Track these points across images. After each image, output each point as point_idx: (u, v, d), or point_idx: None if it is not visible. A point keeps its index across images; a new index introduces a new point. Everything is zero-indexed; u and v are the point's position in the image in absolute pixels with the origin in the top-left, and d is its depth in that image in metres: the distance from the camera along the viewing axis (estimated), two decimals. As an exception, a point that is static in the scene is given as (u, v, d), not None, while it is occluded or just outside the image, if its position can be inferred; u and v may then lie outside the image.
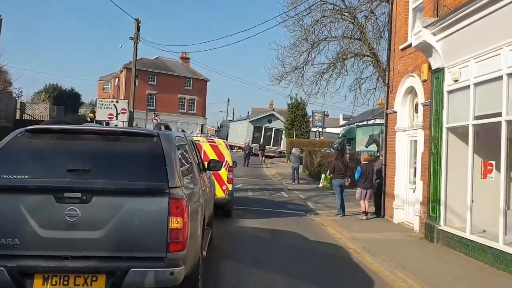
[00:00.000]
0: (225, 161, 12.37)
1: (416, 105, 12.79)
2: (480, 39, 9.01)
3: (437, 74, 10.81)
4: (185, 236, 4.50)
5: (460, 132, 10.16)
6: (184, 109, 64.85)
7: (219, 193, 12.15)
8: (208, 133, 59.23)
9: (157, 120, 42.34)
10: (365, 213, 13.81)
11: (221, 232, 10.45)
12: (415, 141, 12.57)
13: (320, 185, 19.44)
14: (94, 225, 4.37)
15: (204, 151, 12.33)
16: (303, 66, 22.36)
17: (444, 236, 10.23)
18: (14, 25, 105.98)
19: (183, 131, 7.46)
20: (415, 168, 12.61)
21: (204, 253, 6.43)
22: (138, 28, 32.27)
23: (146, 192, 4.48)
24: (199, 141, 12.61)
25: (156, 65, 62.87)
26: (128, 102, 26.59)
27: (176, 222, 4.44)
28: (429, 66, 11.26)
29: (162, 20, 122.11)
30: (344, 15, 21.73)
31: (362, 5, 21.37)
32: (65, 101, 57.70)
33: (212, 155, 12.26)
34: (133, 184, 4.44)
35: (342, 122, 63.07)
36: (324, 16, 21.58)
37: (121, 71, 61.46)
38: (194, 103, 65.72)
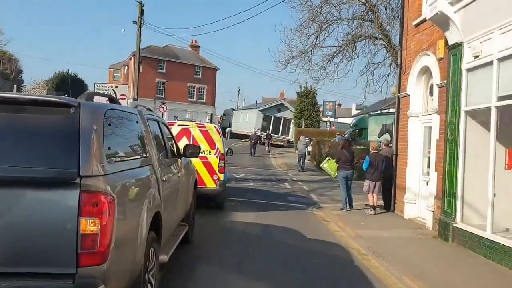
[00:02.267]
0: (216, 148, 11.17)
1: (431, 87, 11.45)
2: (506, 5, 7.66)
3: (454, 50, 9.47)
4: (105, 244, 3.28)
5: (481, 116, 8.83)
6: (193, 98, 63.92)
7: (210, 184, 10.99)
8: (219, 123, 58.25)
9: (163, 108, 41.16)
10: (373, 207, 12.53)
11: (207, 228, 9.29)
12: (430, 127, 11.24)
13: (321, 165, 17.89)
14: None
15: (193, 136, 11.15)
16: (311, 50, 21.06)
17: (461, 235, 8.94)
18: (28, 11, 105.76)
19: (149, 109, 6.11)
20: (429, 158, 11.31)
21: (166, 258, 5.25)
22: (142, 12, 31.63)
23: (46, 183, 3.25)
24: (187, 125, 11.45)
25: (165, 53, 61.95)
26: (128, 87, 25.52)
27: (92, 224, 3.22)
28: (446, 42, 9.94)
29: (167, 9, 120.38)
30: (355, -6, 20.32)
31: (374, -17, 19.96)
32: (66, 87, 56.30)
33: (202, 141, 11.07)
34: (27, 171, 3.21)
35: (354, 111, 61.43)
36: (333, -4, 20.19)
37: (130, 59, 60.43)
38: (203, 91, 64.68)
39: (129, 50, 66.45)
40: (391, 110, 33.61)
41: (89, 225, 3.21)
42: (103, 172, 3.42)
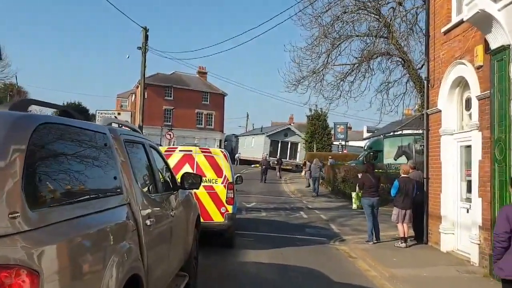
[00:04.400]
0: (223, 176, 9.72)
1: (468, 100, 10.01)
2: None
3: (499, 55, 8.07)
4: None
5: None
6: (201, 124, 62.91)
7: (217, 218, 9.53)
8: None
9: (170, 135, 39.80)
10: (404, 239, 10.95)
11: (213, 274, 7.77)
12: (468, 146, 9.76)
13: (354, 206, 16.54)
14: None
15: (196, 163, 9.73)
16: (322, 69, 19.78)
17: (521, 275, 7.34)
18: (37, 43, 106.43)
19: (134, 129, 4.68)
20: (468, 181, 9.78)
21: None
22: (146, 37, 30.79)
23: None
24: (190, 151, 10.03)
25: (173, 80, 61.29)
26: (135, 115, 24.11)
27: None
28: (486, 47, 8.56)
29: (172, 33, 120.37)
30: (368, 9, 19.11)
31: (389, -5, 18.72)
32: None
33: (207, 169, 9.66)
34: None
35: (366, 134, 59.93)
36: (345, 13, 19.00)
37: (137, 87, 59.76)
38: (211, 118, 63.69)
39: (137, 78, 65.86)
40: (405, 132, 32.29)
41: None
42: (26, 226, 2.00)
